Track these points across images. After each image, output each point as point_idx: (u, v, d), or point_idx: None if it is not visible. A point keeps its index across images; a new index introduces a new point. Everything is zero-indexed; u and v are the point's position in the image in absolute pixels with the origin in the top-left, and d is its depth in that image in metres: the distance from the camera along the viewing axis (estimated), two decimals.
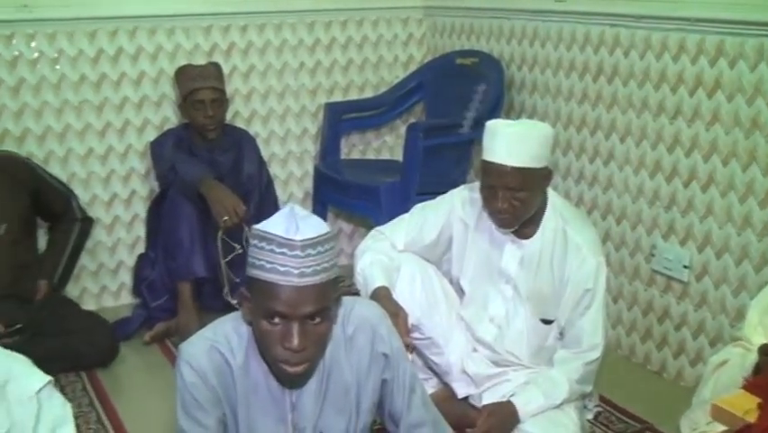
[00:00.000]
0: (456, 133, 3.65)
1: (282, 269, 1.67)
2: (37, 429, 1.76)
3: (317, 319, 1.72)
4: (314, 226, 1.72)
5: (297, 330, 1.70)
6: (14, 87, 3.50)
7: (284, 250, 1.68)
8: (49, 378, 1.82)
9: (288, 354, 1.72)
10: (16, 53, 3.48)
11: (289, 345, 1.70)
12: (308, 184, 4.14)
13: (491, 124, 2.46)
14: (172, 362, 3.25)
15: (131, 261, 3.79)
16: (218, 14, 3.81)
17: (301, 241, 1.68)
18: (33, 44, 3.50)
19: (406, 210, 2.78)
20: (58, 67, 3.56)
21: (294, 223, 1.70)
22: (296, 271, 1.68)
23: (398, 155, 4.05)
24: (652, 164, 3.10)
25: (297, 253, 1.68)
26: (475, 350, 2.69)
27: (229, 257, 3.34)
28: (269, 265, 1.68)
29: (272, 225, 1.72)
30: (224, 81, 3.60)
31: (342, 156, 4.13)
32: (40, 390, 1.79)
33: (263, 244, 1.70)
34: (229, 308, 3.13)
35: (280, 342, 1.71)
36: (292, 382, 1.87)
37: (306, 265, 1.68)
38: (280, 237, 1.68)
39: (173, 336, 3.45)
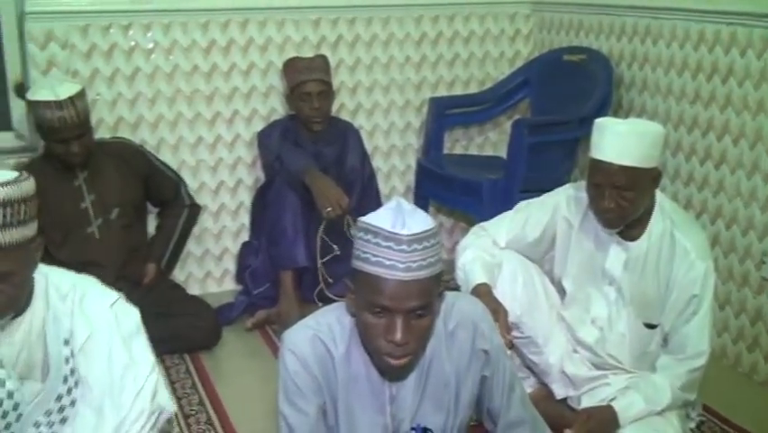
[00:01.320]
0: (562, 130, 3.60)
1: (388, 262, 1.69)
2: (114, 335, 1.95)
3: (421, 314, 1.73)
4: (420, 221, 1.73)
5: (400, 324, 1.71)
6: (130, 75, 3.60)
7: (390, 244, 1.69)
8: (119, 294, 2.01)
9: (391, 346, 1.73)
10: (132, 43, 3.58)
11: (393, 339, 1.71)
12: (410, 178, 4.15)
13: (601, 122, 2.42)
14: (272, 348, 3.32)
15: (235, 248, 3.86)
16: (327, 8, 3.84)
17: (407, 236, 1.69)
18: (149, 34, 3.59)
19: (508, 207, 2.77)
20: (171, 57, 3.64)
21: (401, 217, 1.71)
22: (401, 266, 1.68)
23: (502, 152, 4.03)
24: (766, 168, 2.99)
25: (404, 247, 1.68)
26: (575, 351, 2.66)
27: (327, 257, 3.40)
28: (374, 258, 1.70)
29: (379, 219, 1.73)
30: (330, 74, 3.63)
31: (445, 151, 4.12)
32: (113, 303, 1.98)
33: (369, 237, 1.72)
34: (324, 302, 3.28)
35: (384, 335, 1.73)
36: (394, 374, 1.88)
37: (412, 260, 1.69)
38: (387, 231, 1.69)
39: (273, 324, 3.50)
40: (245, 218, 3.87)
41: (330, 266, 3.48)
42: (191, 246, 3.77)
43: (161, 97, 3.66)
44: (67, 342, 1.96)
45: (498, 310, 2.32)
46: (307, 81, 3.51)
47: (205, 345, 3.29)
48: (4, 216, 1.78)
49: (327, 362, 1.87)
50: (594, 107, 3.50)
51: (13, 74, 3.56)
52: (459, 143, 4.26)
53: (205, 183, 3.81)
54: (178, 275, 3.73)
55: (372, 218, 1.74)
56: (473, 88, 4.20)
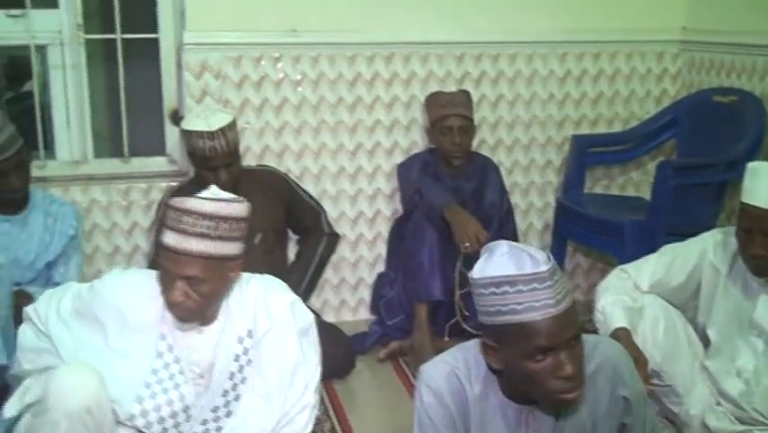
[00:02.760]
0: (710, 173, 3.48)
1: (538, 304, 1.66)
2: (291, 331, 2.17)
3: (575, 342, 1.71)
4: (541, 255, 1.71)
5: (567, 357, 1.69)
6: (278, 105, 3.70)
7: (534, 285, 1.66)
8: (297, 296, 2.25)
9: (563, 383, 1.70)
10: (281, 75, 3.68)
11: (564, 374, 1.69)
12: (548, 216, 4.10)
13: (754, 166, 2.34)
14: (403, 380, 3.33)
15: (370, 278, 3.90)
16: (471, 43, 3.85)
17: (548, 270, 1.67)
18: (298, 66, 3.69)
19: (650, 250, 2.70)
20: (318, 89, 3.72)
21: (524, 256, 1.69)
22: (552, 301, 1.67)
23: (644, 192, 3.96)
24: None
25: (549, 283, 1.67)
26: (718, 404, 2.55)
27: (465, 289, 3.35)
28: (521, 306, 1.67)
29: (502, 268, 1.69)
30: (472, 109, 3.64)
31: (586, 190, 4.05)
32: (293, 302, 2.21)
33: (505, 288, 1.68)
34: (458, 335, 3.32)
35: (553, 375, 1.70)
36: (570, 409, 1.84)
37: (557, 292, 1.68)
38: (526, 275, 1.67)
39: (406, 356, 3.50)
40: (382, 249, 3.90)
41: (465, 300, 3.44)
42: (328, 274, 3.82)
43: (307, 127, 3.75)
44: (241, 339, 2.15)
45: (637, 357, 2.26)
46: (449, 116, 3.53)
47: (338, 373, 3.30)
48: (208, 227, 1.97)
49: (462, 399, 1.86)
50: (744, 150, 3.38)
51: (168, 102, 3.72)
52: (600, 183, 4.19)
53: (345, 213, 3.87)
54: (314, 302, 3.77)
55: (494, 270, 1.70)
56: (617, 127, 4.12)
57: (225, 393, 2.16)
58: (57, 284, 3.15)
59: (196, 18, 3.54)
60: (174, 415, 2.15)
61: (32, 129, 3.58)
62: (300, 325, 2.21)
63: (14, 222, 3.19)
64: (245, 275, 2.23)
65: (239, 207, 2.06)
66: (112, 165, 3.75)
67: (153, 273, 2.15)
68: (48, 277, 3.27)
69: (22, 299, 3.00)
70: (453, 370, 1.87)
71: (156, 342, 2.14)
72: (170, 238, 2.01)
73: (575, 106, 4.07)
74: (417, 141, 3.88)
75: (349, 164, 3.83)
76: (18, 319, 2.94)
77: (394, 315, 3.58)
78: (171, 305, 2.06)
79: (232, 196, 2.07)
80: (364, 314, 3.92)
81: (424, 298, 3.44)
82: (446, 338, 3.43)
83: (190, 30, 3.55)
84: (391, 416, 3.00)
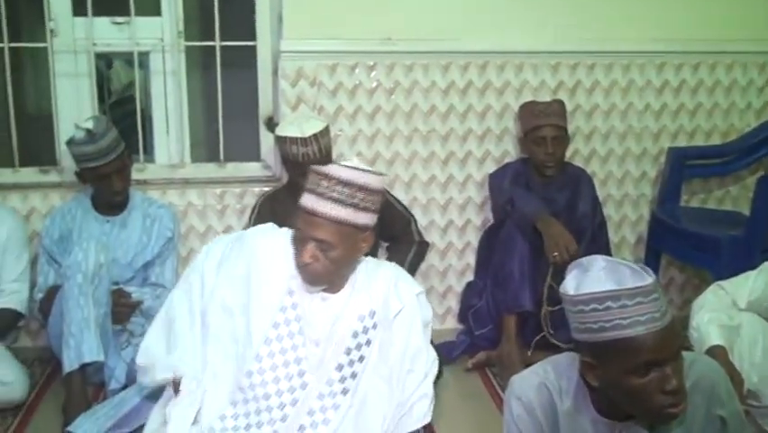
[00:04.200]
0: None
1: (644, 318, 1.64)
2: (417, 319, 2.23)
3: (679, 354, 1.69)
4: (642, 269, 1.68)
5: (672, 371, 1.66)
6: (371, 113, 3.71)
7: (638, 299, 1.64)
8: (422, 288, 2.32)
9: (669, 397, 1.67)
10: (375, 84, 3.70)
11: (671, 388, 1.66)
12: (642, 229, 4.03)
13: None
14: (490, 391, 3.32)
15: (459, 287, 3.89)
16: (567, 52, 3.81)
17: (652, 283, 1.66)
18: (392, 74, 3.70)
19: (748, 266, 2.65)
20: (411, 97, 3.73)
21: (624, 270, 1.67)
22: (657, 315, 1.65)
23: (742, 207, 3.88)
24: None
25: (654, 296, 1.65)
26: None
27: (557, 307, 3.30)
28: (626, 321, 1.64)
29: (599, 284, 1.67)
30: (566, 119, 3.61)
31: (682, 203, 3.97)
32: (419, 293, 2.28)
33: (608, 304, 1.66)
34: (545, 349, 3.25)
35: (659, 389, 1.67)
36: (674, 421, 1.80)
37: (661, 305, 1.66)
38: (630, 289, 1.65)
39: (493, 366, 3.48)
40: (471, 258, 3.89)
41: (553, 313, 3.40)
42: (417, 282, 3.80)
43: (399, 135, 3.76)
44: (362, 318, 2.18)
45: (733, 376, 2.20)
46: (543, 126, 3.51)
47: None
48: (341, 193, 2.04)
49: (552, 412, 1.85)
50: None
51: (264, 108, 3.76)
52: (696, 196, 4.09)
53: (435, 221, 3.86)
54: None
55: (593, 286, 1.68)
56: (715, 140, 4.03)
57: (340, 368, 2.18)
58: (153, 284, 3.32)
59: (293, 26, 3.58)
60: (289, 377, 2.17)
61: (133, 133, 3.65)
62: (424, 316, 2.27)
63: (114, 223, 3.31)
64: (373, 259, 2.32)
65: (374, 179, 2.11)
66: (208, 169, 3.80)
67: (291, 233, 2.22)
68: (144, 277, 3.37)
69: (119, 297, 3.13)
70: (544, 383, 1.85)
71: (282, 296, 2.18)
72: (307, 200, 2.09)
73: (672, 118, 3.98)
74: (510, 150, 3.86)
75: (440, 173, 3.83)
76: (116, 318, 3.08)
77: (482, 325, 3.57)
78: (301, 266, 2.12)
79: (370, 167, 2.14)
80: (452, 323, 3.90)
81: (513, 308, 3.41)
82: (529, 352, 3.41)
83: (287, 38, 3.59)
84: (478, 426, 2.98)
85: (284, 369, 2.17)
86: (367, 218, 2.13)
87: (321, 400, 2.18)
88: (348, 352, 2.18)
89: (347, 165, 2.11)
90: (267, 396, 2.16)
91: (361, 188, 2.07)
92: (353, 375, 2.18)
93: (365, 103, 3.71)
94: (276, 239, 2.25)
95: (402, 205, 3.59)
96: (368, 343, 2.19)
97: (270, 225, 2.34)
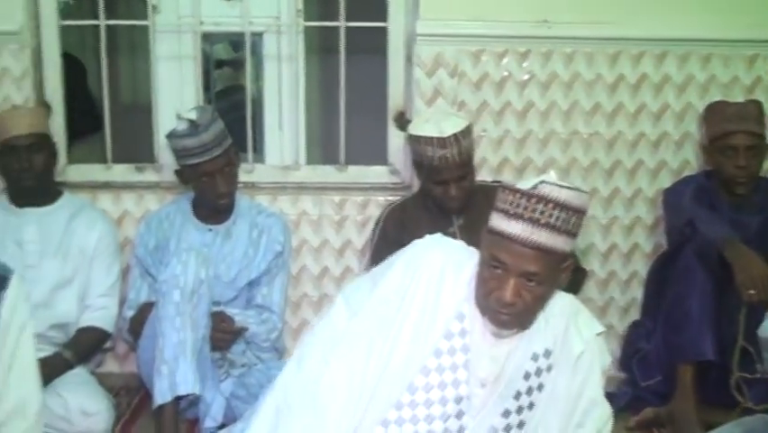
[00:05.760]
0: None
1: None
2: (597, 364, 2.08)
3: None
4: None
5: None
6: (521, 111, 3.41)
7: None
8: (603, 327, 2.17)
9: None
10: (527, 76, 3.40)
11: None
12: None
13: None
14: None
15: (622, 326, 3.52)
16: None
17: None
18: (548, 64, 3.41)
19: None
20: (571, 92, 3.43)
21: None
22: None
23: None
24: None
25: None
26: None
27: (755, 376, 3.01)
28: None
29: None
30: (764, 125, 3.23)
31: None
32: (599, 333, 2.11)
33: None
34: (732, 406, 2.96)
35: None
36: None
37: None
38: None
39: (663, 427, 3.12)
40: (638, 292, 3.52)
41: (746, 362, 3.02)
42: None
43: (555, 138, 3.45)
44: (536, 357, 2.04)
45: None
46: (735, 132, 3.18)
47: None
48: (557, 218, 1.88)
49: None
50: None
51: (394, 102, 3.54)
52: None
53: (594, 244, 3.51)
54: None
55: None
56: None
57: (507, 414, 2.03)
58: (259, 306, 3.17)
59: (432, 5, 3.35)
60: (445, 417, 2.02)
61: (241, 128, 3.49)
62: (603, 362, 2.14)
63: (218, 232, 3.14)
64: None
65: (586, 199, 1.98)
66: (325, 173, 3.60)
67: (473, 252, 2.10)
68: (248, 298, 3.18)
69: (221, 322, 2.98)
70: None
71: (449, 321, 2.05)
72: (517, 228, 1.90)
73: None
74: (691, 161, 3.49)
75: (603, 185, 3.49)
76: (215, 345, 2.97)
77: (650, 374, 3.26)
78: (500, 304, 1.96)
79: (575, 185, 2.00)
80: (612, 370, 3.43)
81: (690, 356, 3.08)
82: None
83: (424, 18, 3.35)
84: None
85: (440, 407, 2.02)
86: (572, 245, 1.98)
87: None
88: (517, 396, 2.04)
89: (559, 184, 1.92)
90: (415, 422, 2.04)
91: (577, 211, 1.91)
92: (520, 425, 2.04)
93: (515, 98, 3.41)
94: (449, 252, 2.12)
95: None
96: (539, 387, 2.05)
97: (439, 236, 2.19)
